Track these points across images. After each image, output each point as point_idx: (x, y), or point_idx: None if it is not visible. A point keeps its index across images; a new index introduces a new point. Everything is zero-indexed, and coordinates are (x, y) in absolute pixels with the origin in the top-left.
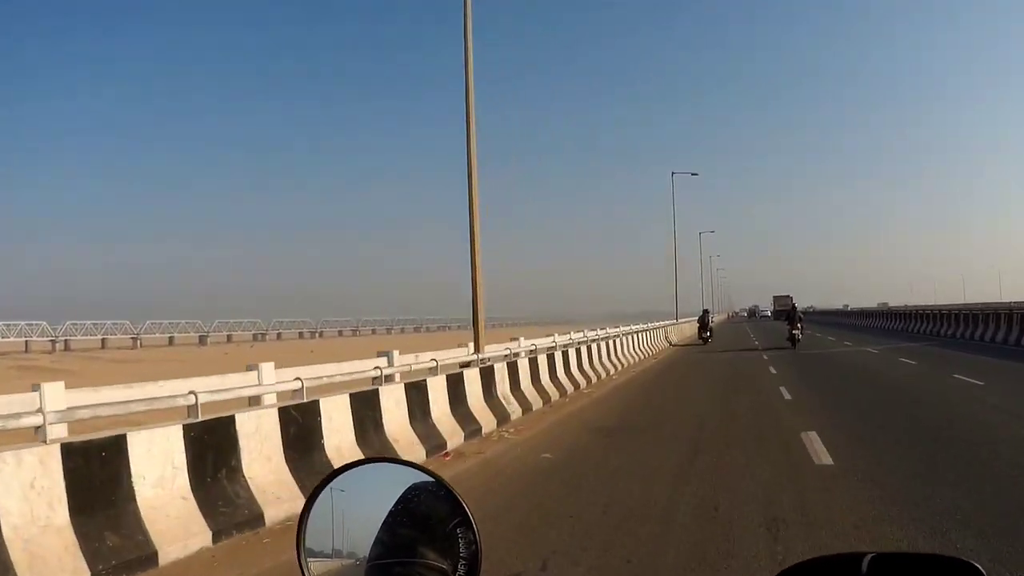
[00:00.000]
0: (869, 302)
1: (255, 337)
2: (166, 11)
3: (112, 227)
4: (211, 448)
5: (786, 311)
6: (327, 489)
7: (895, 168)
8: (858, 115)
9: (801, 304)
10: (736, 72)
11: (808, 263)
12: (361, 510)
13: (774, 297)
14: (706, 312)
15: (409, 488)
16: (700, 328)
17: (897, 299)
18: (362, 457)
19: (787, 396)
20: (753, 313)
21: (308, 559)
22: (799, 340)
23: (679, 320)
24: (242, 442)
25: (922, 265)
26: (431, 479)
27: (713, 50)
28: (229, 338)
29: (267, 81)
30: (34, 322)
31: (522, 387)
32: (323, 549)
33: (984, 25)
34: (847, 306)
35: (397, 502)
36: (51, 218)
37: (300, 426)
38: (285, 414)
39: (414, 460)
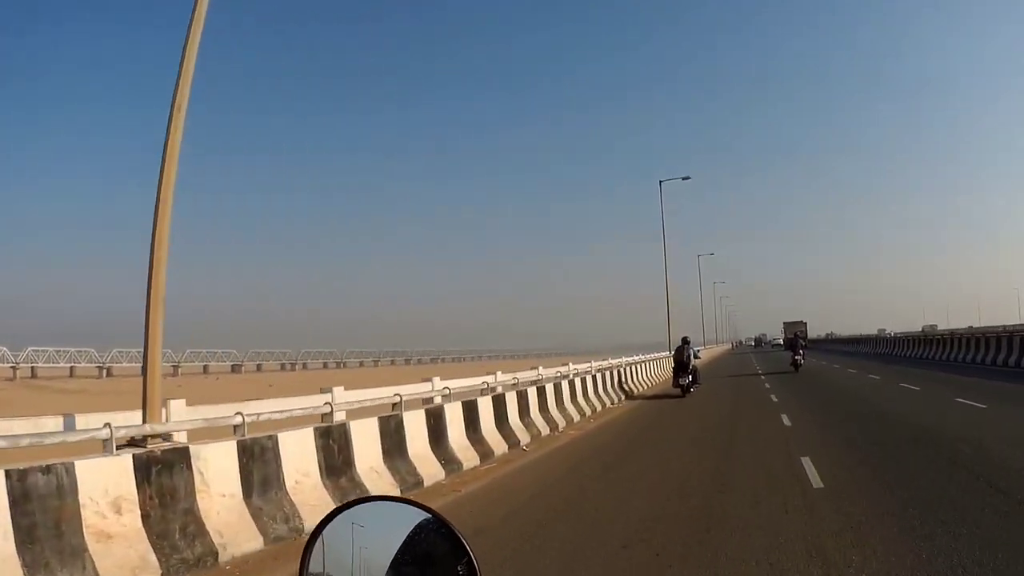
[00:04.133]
0: (912, 326)
1: (233, 368)
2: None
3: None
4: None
5: (800, 339)
6: (327, 528)
7: (934, 179)
8: (894, 126)
9: (820, 331)
10: (750, 76)
11: (833, 287)
12: (362, 551)
13: (785, 324)
14: (686, 343)
15: (414, 527)
16: (676, 369)
17: (945, 321)
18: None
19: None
20: (759, 342)
21: None
22: (801, 364)
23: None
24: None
25: (970, 284)
26: (431, 516)
27: (727, 55)
28: (205, 369)
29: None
30: None
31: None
32: None
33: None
34: (884, 330)
35: (400, 542)
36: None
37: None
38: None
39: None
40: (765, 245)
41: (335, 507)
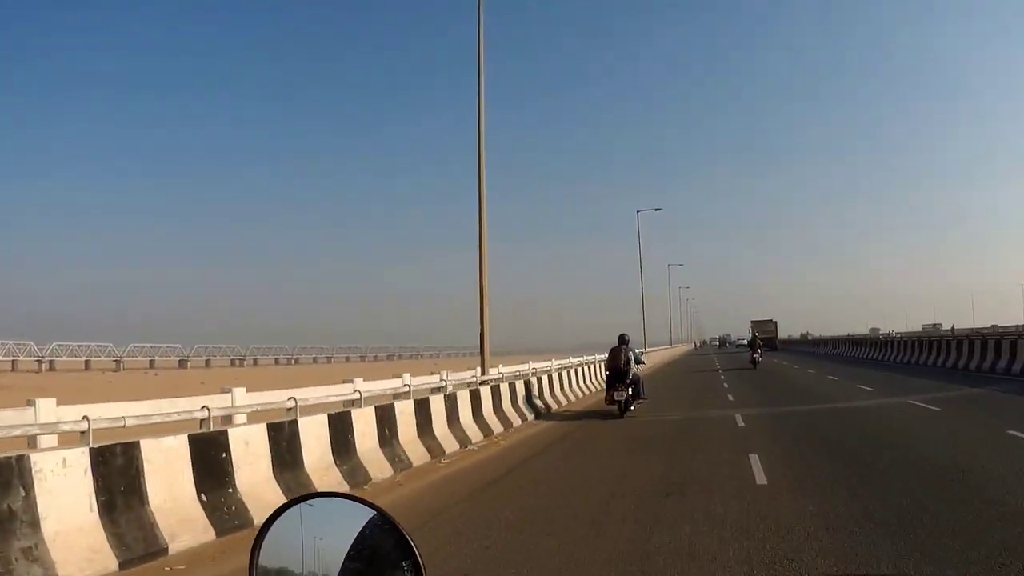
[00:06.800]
0: (912, 325)
1: (180, 363)
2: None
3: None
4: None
5: (770, 339)
6: (276, 523)
7: (923, 174)
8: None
9: (795, 331)
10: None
11: (811, 285)
12: (311, 546)
13: (753, 322)
14: (624, 344)
15: (361, 524)
16: (610, 379)
17: (934, 319)
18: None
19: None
20: (724, 342)
21: None
22: (759, 362)
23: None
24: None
25: (964, 282)
26: (377, 513)
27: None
28: (152, 364)
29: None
30: None
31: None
32: None
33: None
34: (877, 330)
35: (348, 537)
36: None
37: None
38: None
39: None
40: (738, 243)
41: (284, 502)
